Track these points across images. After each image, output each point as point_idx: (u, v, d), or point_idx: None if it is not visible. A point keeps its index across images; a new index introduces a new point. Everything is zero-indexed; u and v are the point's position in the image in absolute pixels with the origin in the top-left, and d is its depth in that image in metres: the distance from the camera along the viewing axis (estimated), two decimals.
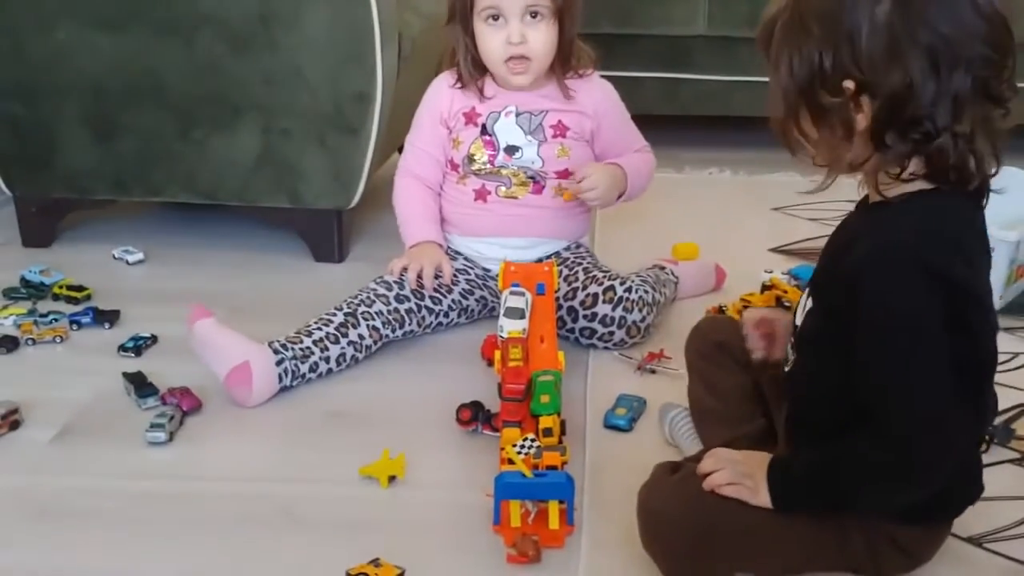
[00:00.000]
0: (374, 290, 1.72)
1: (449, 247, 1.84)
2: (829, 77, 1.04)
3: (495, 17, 1.67)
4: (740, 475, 1.16)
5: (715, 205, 2.50)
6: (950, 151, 1.03)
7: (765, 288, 1.91)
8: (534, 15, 1.67)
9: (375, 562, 1.20)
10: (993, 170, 1.08)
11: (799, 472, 1.15)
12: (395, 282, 1.73)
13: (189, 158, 2.08)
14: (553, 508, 1.28)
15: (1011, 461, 1.45)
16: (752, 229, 2.31)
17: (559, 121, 1.77)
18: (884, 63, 1.02)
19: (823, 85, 1.05)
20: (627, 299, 1.72)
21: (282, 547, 1.29)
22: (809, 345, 1.18)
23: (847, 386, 1.10)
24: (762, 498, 1.15)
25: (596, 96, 1.79)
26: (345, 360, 1.66)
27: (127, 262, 2.12)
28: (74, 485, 1.41)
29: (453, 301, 1.79)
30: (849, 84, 1.04)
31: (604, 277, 1.75)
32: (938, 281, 1.04)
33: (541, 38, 1.68)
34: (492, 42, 1.69)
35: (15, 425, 1.53)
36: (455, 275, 1.78)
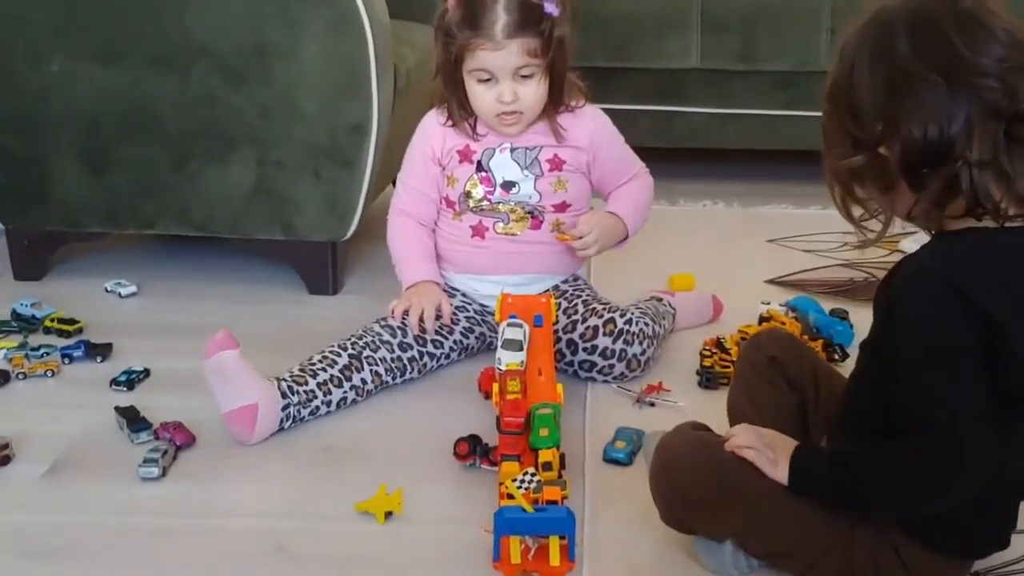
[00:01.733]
0: (379, 335, 1.70)
1: (446, 284, 1.82)
2: (852, 144, 1.10)
3: (485, 79, 1.67)
4: (763, 444, 1.20)
5: (710, 237, 2.50)
6: (965, 180, 1.05)
7: (763, 320, 1.90)
8: (525, 76, 1.66)
9: None
10: None
11: (824, 457, 1.20)
12: (399, 328, 1.71)
13: (183, 190, 2.07)
14: (554, 544, 1.26)
15: None
16: (748, 261, 2.31)
17: (555, 155, 1.76)
18: (882, 119, 1.07)
19: (850, 152, 1.10)
20: (628, 331, 1.71)
21: None
22: (865, 353, 1.22)
23: (889, 398, 1.13)
24: (779, 472, 1.18)
25: (589, 128, 1.78)
26: (345, 404, 1.65)
27: (119, 295, 2.10)
28: (66, 521, 1.39)
29: (455, 342, 1.78)
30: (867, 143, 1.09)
31: (604, 309, 1.74)
32: (968, 307, 1.06)
33: (532, 94, 1.67)
34: (483, 100, 1.68)
35: (6, 460, 1.51)
36: (455, 313, 1.76)
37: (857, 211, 1.15)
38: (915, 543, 1.17)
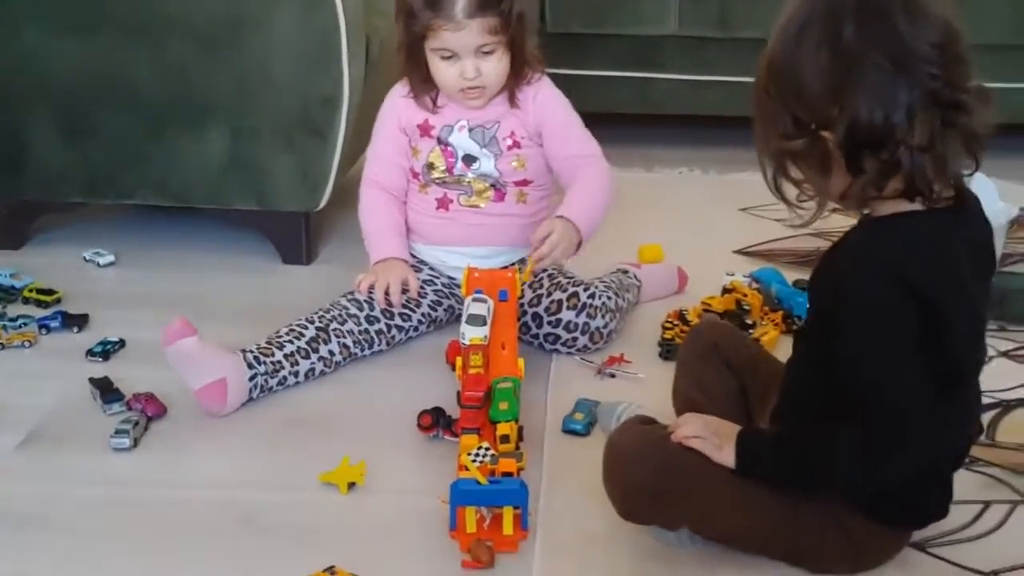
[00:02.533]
0: (346, 308, 1.74)
1: (414, 255, 1.84)
2: (793, 126, 1.11)
3: (448, 56, 1.68)
4: (708, 431, 1.23)
5: (683, 205, 2.52)
6: (907, 164, 1.08)
7: (726, 291, 1.93)
8: (487, 52, 1.67)
9: (330, 570, 1.23)
10: (968, 172, 1.13)
11: (769, 438, 1.24)
12: (365, 301, 1.74)
13: (159, 161, 2.09)
14: (508, 514, 1.31)
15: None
16: (718, 230, 2.33)
17: (511, 132, 1.77)
18: (830, 102, 1.08)
19: (791, 134, 1.11)
20: (591, 305, 1.75)
21: (242, 554, 1.32)
22: (804, 339, 1.26)
23: (832, 381, 1.16)
24: (725, 456, 1.22)
25: (539, 99, 1.77)
26: (313, 375, 1.69)
27: (98, 264, 2.13)
28: (38, 491, 1.43)
29: (423, 315, 1.81)
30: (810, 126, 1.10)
31: (568, 283, 1.77)
32: (910, 293, 1.09)
33: (495, 69, 1.68)
34: (446, 76, 1.69)
35: None
36: (422, 287, 1.79)
37: (790, 191, 1.17)
38: (859, 517, 1.22)
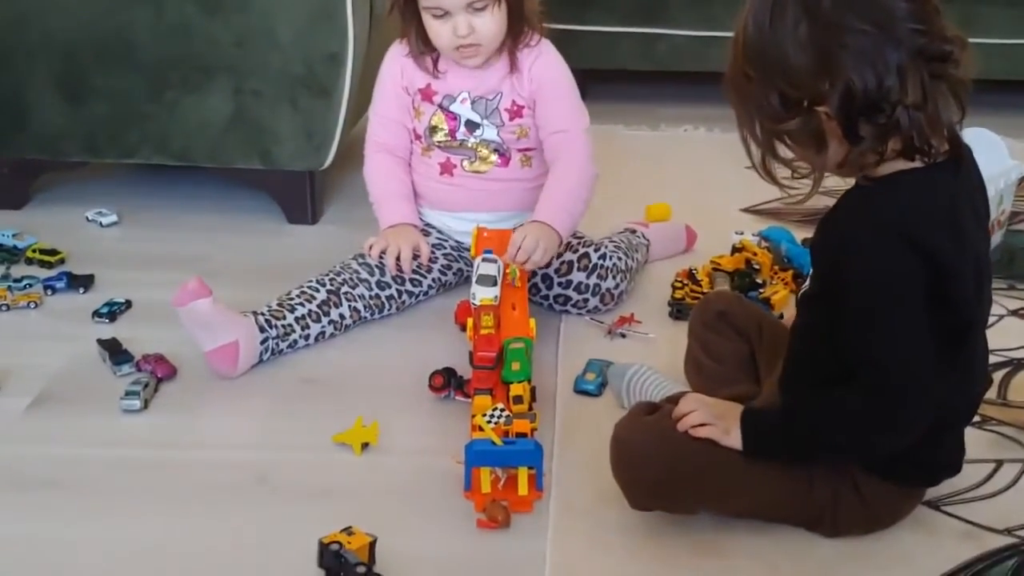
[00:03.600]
0: (357, 272, 1.72)
1: (421, 219, 1.83)
2: (781, 106, 1.09)
3: (440, 14, 1.64)
4: (713, 416, 1.22)
5: (689, 164, 2.51)
6: (905, 124, 1.07)
7: (735, 250, 1.92)
8: (479, 8, 1.64)
9: (347, 530, 1.23)
10: (957, 120, 1.11)
11: (773, 415, 1.23)
12: (377, 266, 1.73)
13: (161, 119, 2.07)
14: (522, 474, 1.31)
15: (973, 424, 1.48)
16: (724, 188, 2.31)
17: (512, 103, 1.73)
18: (819, 75, 1.07)
19: (782, 115, 1.10)
20: (601, 266, 1.74)
21: (256, 515, 1.32)
22: (808, 304, 1.25)
23: (837, 345, 1.15)
24: (732, 439, 1.21)
25: (537, 65, 1.73)
26: (324, 337, 1.68)
27: (101, 224, 2.12)
28: (49, 453, 1.43)
29: (433, 280, 1.80)
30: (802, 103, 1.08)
31: (578, 244, 1.76)
32: (915, 251, 1.09)
33: (488, 25, 1.65)
34: (440, 34, 1.66)
35: None
36: (432, 252, 1.77)
37: (781, 171, 1.15)
38: (872, 478, 1.22)
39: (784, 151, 1.14)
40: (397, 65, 1.77)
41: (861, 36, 1.05)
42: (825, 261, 1.17)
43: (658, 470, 1.21)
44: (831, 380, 1.16)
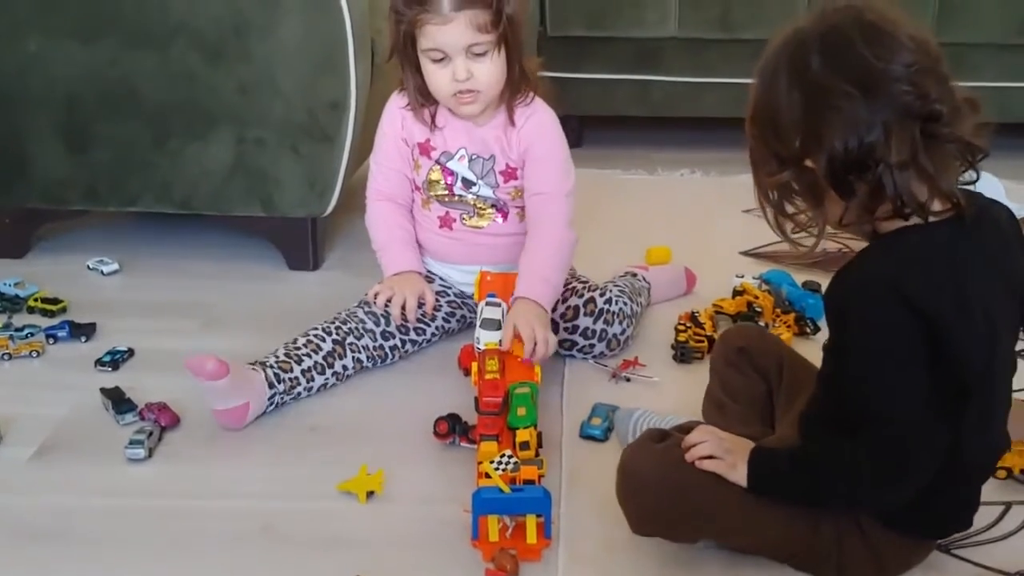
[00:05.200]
0: (363, 322, 1.72)
1: (425, 266, 1.82)
2: (776, 161, 1.13)
3: (439, 58, 1.65)
4: (723, 450, 1.22)
5: (687, 207, 2.52)
6: (889, 183, 1.09)
7: (736, 293, 1.93)
8: (478, 54, 1.64)
9: None
10: (970, 180, 1.13)
11: (782, 456, 1.22)
12: (382, 316, 1.73)
13: (163, 167, 2.08)
14: (531, 522, 1.30)
15: None
16: (723, 232, 2.33)
17: (506, 166, 1.74)
18: (806, 134, 1.10)
19: (775, 170, 1.14)
20: (608, 311, 1.74)
21: (263, 565, 1.30)
22: (826, 354, 1.25)
23: (843, 397, 1.17)
24: (739, 474, 1.21)
25: (529, 125, 1.72)
26: (325, 388, 1.68)
27: (102, 272, 2.12)
28: (53, 503, 1.42)
29: (437, 327, 1.80)
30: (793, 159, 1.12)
31: (584, 289, 1.77)
32: (907, 307, 1.09)
33: (487, 71, 1.64)
34: (439, 80, 1.65)
35: None
36: (436, 300, 1.77)
37: (790, 227, 1.18)
38: (879, 528, 1.21)
39: (791, 208, 1.17)
40: (398, 116, 1.77)
41: (845, 99, 1.08)
42: (831, 312, 1.19)
43: (661, 498, 1.22)
44: (846, 430, 1.16)
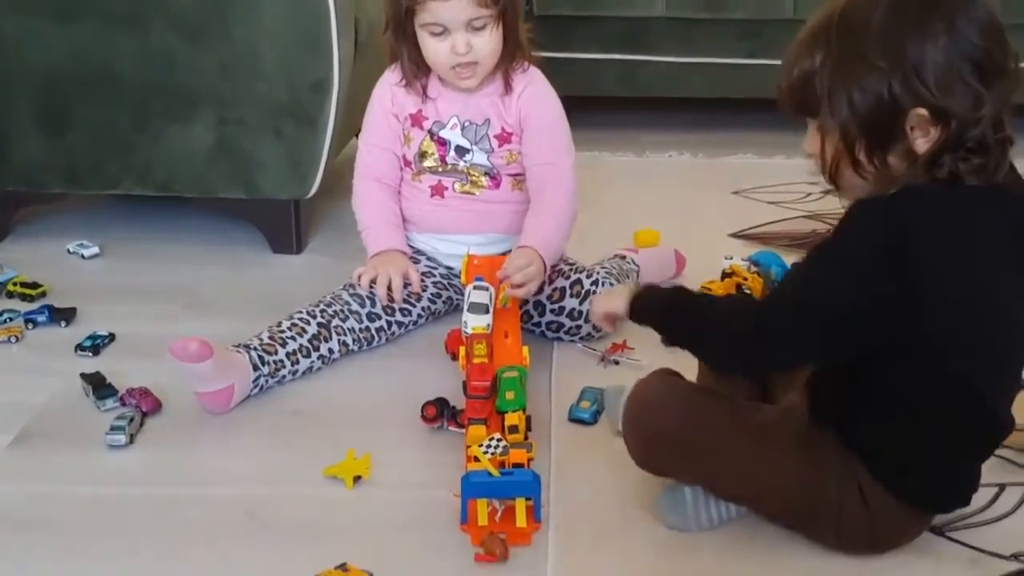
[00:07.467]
0: (348, 304, 1.70)
1: (410, 245, 1.80)
2: (896, 107, 1.10)
3: (439, 32, 1.64)
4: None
5: (675, 189, 2.51)
6: (997, 155, 1.10)
7: (725, 275, 1.91)
8: (478, 28, 1.63)
9: (342, 567, 1.20)
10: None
11: (663, 292, 1.31)
12: (368, 298, 1.70)
13: (144, 150, 2.04)
14: (520, 506, 1.28)
15: None
16: (712, 214, 2.32)
17: (501, 129, 1.72)
18: (952, 89, 1.08)
19: (888, 117, 1.10)
20: (594, 292, 1.72)
21: (247, 552, 1.28)
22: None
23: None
24: (618, 300, 1.32)
25: (526, 94, 1.72)
26: (311, 371, 1.65)
27: (82, 256, 2.09)
28: (32, 492, 1.39)
29: (423, 308, 1.78)
30: (922, 111, 1.09)
31: (570, 270, 1.75)
32: (896, 254, 1.08)
33: (486, 44, 1.64)
34: (437, 52, 1.64)
35: None
36: (422, 280, 1.75)
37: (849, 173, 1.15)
38: (880, 488, 1.20)
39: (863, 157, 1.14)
40: (388, 92, 1.75)
41: (984, 56, 1.08)
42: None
43: (672, 421, 1.24)
44: (859, 391, 1.17)
